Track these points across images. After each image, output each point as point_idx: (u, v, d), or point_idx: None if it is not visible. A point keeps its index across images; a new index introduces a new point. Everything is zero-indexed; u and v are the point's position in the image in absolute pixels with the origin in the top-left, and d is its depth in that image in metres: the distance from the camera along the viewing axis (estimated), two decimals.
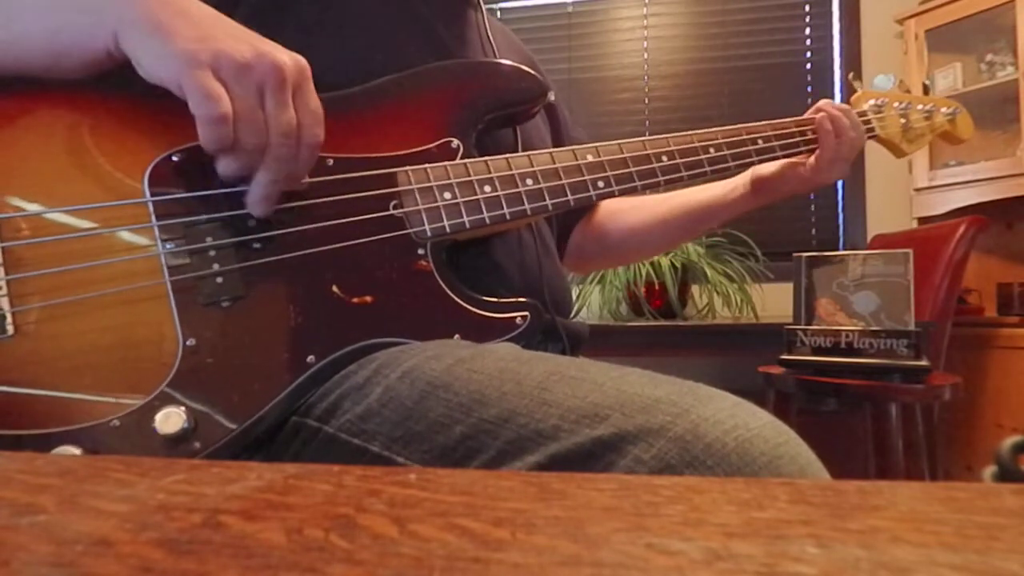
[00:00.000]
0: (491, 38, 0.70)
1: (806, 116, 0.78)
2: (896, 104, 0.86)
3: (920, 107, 0.87)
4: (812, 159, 0.76)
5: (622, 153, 0.63)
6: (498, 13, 2.75)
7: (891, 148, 0.87)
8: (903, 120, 0.85)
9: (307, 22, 0.60)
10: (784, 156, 0.75)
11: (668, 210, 0.84)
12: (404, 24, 0.63)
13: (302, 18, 0.60)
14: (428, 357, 0.47)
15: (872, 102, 0.85)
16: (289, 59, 0.46)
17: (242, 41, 0.45)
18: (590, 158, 0.61)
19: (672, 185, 0.67)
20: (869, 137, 0.83)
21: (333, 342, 0.49)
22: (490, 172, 0.57)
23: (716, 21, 2.64)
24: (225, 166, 0.46)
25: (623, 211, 0.87)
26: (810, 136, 0.76)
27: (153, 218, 0.47)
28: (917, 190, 2.31)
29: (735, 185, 0.81)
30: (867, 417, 1.78)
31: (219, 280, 0.47)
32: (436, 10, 0.66)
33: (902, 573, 0.13)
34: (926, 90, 0.93)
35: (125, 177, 0.47)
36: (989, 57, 2.27)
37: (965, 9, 2.20)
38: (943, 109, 0.88)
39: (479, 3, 0.72)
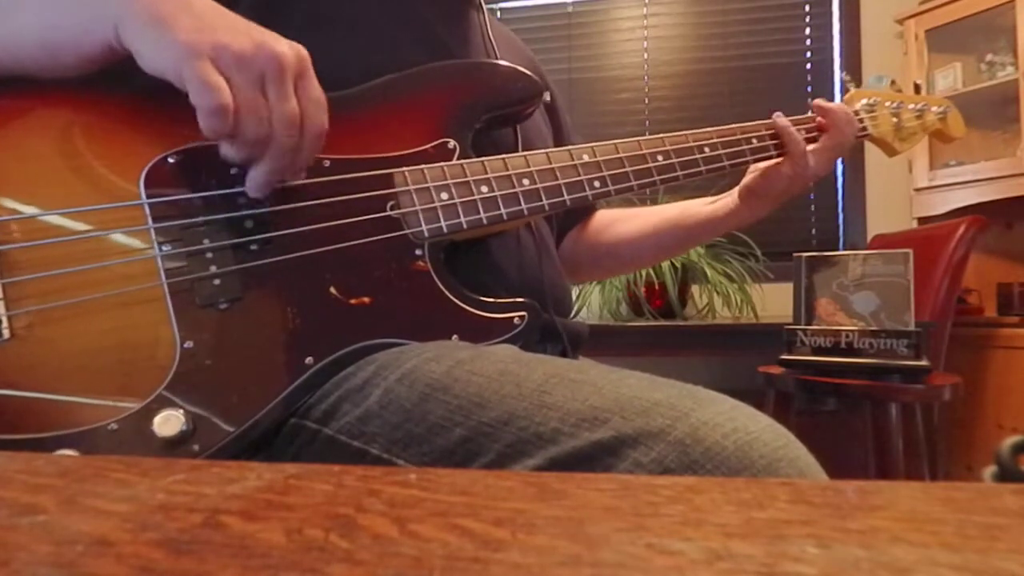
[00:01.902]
0: (492, 39, 0.70)
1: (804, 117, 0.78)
2: (888, 103, 0.86)
3: (912, 106, 0.88)
4: (790, 159, 0.75)
5: (618, 153, 0.63)
6: (498, 13, 2.76)
7: (883, 147, 0.87)
8: (895, 119, 0.86)
9: (307, 21, 0.59)
10: (779, 155, 0.75)
11: (661, 221, 0.83)
12: (404, 24, 0.63)
13: (302, 17, 0.59)
14: (427, 359, 0.47)
15: (864, 101, 0.85)
16: (289, 49, 0.46)
17: (242, 32, 0.45)
18: (586, 158, 0.61)
19: (668, 184, 0.67)
20: (862, 136, 0.83)
21: (331, 343, 0.49)
22: (487, 172, 0.56)
23: (716, 21, 2.64)
24: (229, 153, 0.47)
25: (616, 222, 0.87)
26: (805, 135, 0.76)
27: (149, 220, 0.47)
28: (917, 190, 2.31)
29: (726, 201, 0.81)
30: (867, 417, 1.78)
31: (216, 282, 0.47)
32: (437, 10, 0.66)
33: (902, 573, 0.13)
34: (917, 89, 0.94)
35: (121, 179, 0.47)
36: (989, 57, 2.27)
37: (965, 9, 2.20)
38: (934, 108, 0.89)
39: (480, 3, 0.72)
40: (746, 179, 0.79)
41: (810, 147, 0.76)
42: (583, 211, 0.88)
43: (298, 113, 0.46)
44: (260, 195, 0.49)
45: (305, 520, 0.17)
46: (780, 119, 0.75)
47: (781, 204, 0.79)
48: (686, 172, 0.67)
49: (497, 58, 0.69)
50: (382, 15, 0.62)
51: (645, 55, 2.68)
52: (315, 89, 0.48)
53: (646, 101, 2.67)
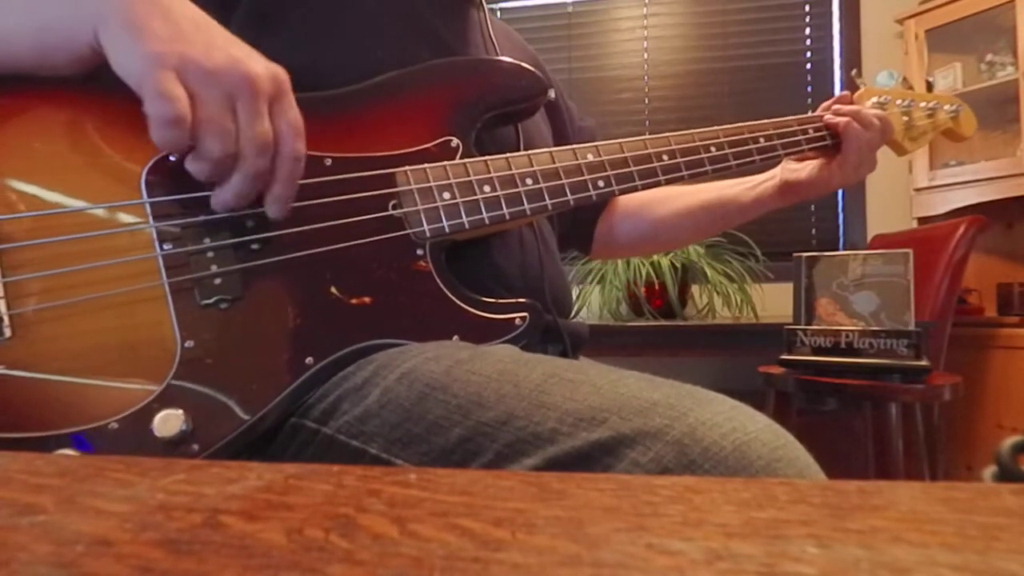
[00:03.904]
0: (492, 37, 0.70)
1: (822, 115, 0.78)
2: (899, 102, 0.85)
3: (923, 104, 0.86)
4: (836, 161, 0.76)
5: (623, 152, 0.63)
6: (498, 13, 2.75)
7: (893, 146, 0.86)
8: (906, 118, 0.85)
9: (308, 20, 0.59)
10: (786, 155, 0.75)
11: (698, 204, 0.83)
12: (405, 22, 0.63)
13: (303, 16, 0.59)
14: (427, 358, 0.47)
15: (875, 99, 0.84)
16: (264, 69, 0.45)
17: (216, 48, 0.44)
18: (590, 157, 0.61)
19: (673, 184, 0.67)
20: None
21: (332, 343, 0.49)
22: (489, 172, 0.56)
23: (716, 21, 2.64)
24: (193, 170, 0.45)
25: (651, 204, 0.87)
26: (812, 135, 0.76)
27: (150, 219, 0.47)
28: (917, 190, 2.31)
29: (764, 185, 0.80)
30: (867, 417, 1.78)
31: (217, 281, 0.47)
32: (437, 8, 0.66)
33: (902, 573, 0.13)
34: (929, 87, 0.92)
35: (122, 178, 0.47)
36: (989, 57, 2.27)
37: (965, 9, 2.20)
38: (946, 106, 0.87)
39: (481, 2, 0.71)
40: (790, 175, 0.79)
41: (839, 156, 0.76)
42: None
43: (270, 136, 0.45)
44: (223, 212, 0.47)
45: (305, 520, 0.17)
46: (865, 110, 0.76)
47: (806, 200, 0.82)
48: (691, 172, 0.67)
49: (498, 55, 0.69)
50: (381, 12, 0.62)
51: (645, 55, 2.68)
52: (292, 112, 0.46)
53: (646, 101, 2.67)
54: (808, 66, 2.58)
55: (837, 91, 2.53)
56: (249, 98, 0.44)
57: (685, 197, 0.85)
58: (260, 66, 0.45)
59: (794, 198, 0.80)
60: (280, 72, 0.46)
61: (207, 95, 0.43)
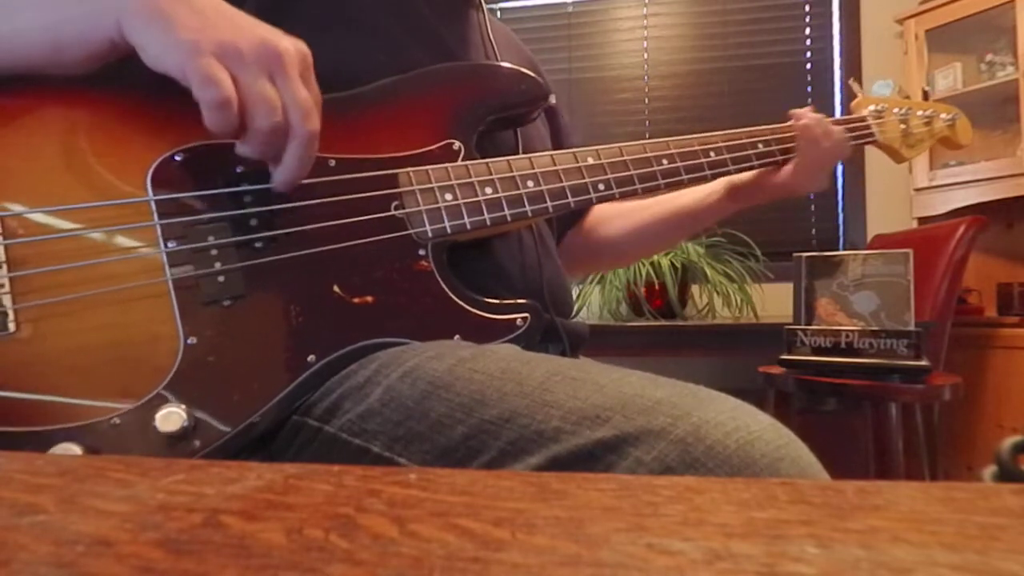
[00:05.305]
0: (492, 39, 0.70)
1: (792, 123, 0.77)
2: (896, 110, 0.86)
3: (920, 113, 0.88)
4: (789, 167, 0.75)
5: (623, 156, 0.63)
6: (498, 13, 2.75)
7: (891, 153, 0.87)
8: (903, 126, 0.86)
9: (309, 22, 0.59)
10: (784, 160, 0.75)
11: (651, 217, 0.84)
12: (405, 24, 0.63)
13: (305, 18, 0.60)
14: (429, 357, 0.47)
15: (872, 108, 0.85)
16: (291, 44, 0.46)
17: (244, 29, 0.45)
18: (591, 160, 0.62)
19: (672, 188, 0.67)
20: (869, 142, 0.83)
21: (334, 342, 0.49)
22: (491, 174, 0.57)
23: (716, 21, 2.64)
24: (244, 150, 0.47)
25: (611, 218, 0.87)
26: (782, 143, 0.75)
27: (155, 217, 0.47)
28: (917, 190, 2.31)
29: (711, 191, 0.80)
30: (867, 417, 1.78)
31: (221, 279, 0.47)
32: (438, 10, 0.66)
33: (902, 573, 0.13)
34: (926, 96, 0.93)
35: (128, 176, 0.47)
36: (989, 57, 2.27)
37: (965, 9, 2.20)
38: (943, 115, 0.89)
39: (480, 3, 0.72)
40: (737, 179, 0.78)
41: (790, 164, 0.75)
42: (583, 209, 0.88)
43: (312, 102, 0.46)
44: (288, 189, 0.49)
45: (305, 520, 0.17)
46: (806, 117, 0.75)
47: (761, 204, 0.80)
48: (691, 176, 0.67)
49: (497, 58, 0.69)
50: (381, 13, 0.62)
51: (645, 55, 2.68)
52: (315, 87, 0.48)
53: (646, 101, 2.67)
54: (808, 66, 2.58)
55: (837, 91, 2.55)
56: (285, 71, 0.45)
57: (636, 212, 0.85)
58: (287, 41, 0.46)
59: (744, 202, 0.79)
60: (304, 47, 0.48)
61: (246, 74, 0.44)
